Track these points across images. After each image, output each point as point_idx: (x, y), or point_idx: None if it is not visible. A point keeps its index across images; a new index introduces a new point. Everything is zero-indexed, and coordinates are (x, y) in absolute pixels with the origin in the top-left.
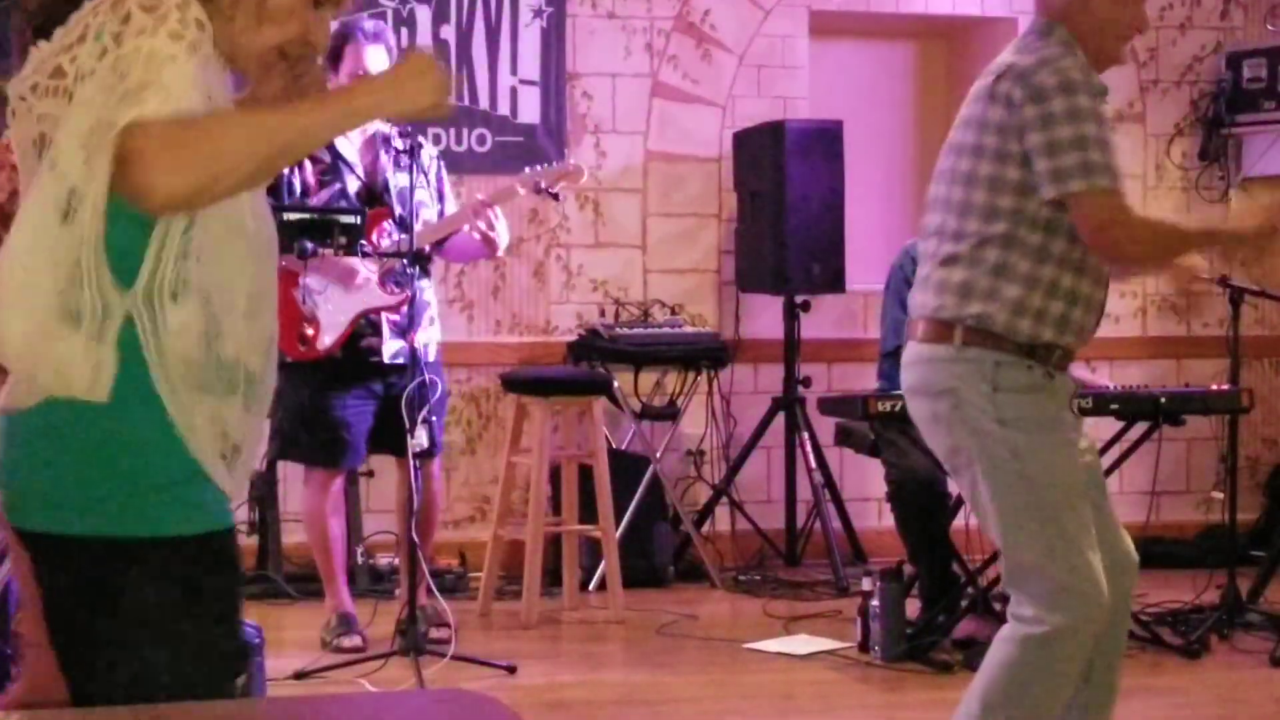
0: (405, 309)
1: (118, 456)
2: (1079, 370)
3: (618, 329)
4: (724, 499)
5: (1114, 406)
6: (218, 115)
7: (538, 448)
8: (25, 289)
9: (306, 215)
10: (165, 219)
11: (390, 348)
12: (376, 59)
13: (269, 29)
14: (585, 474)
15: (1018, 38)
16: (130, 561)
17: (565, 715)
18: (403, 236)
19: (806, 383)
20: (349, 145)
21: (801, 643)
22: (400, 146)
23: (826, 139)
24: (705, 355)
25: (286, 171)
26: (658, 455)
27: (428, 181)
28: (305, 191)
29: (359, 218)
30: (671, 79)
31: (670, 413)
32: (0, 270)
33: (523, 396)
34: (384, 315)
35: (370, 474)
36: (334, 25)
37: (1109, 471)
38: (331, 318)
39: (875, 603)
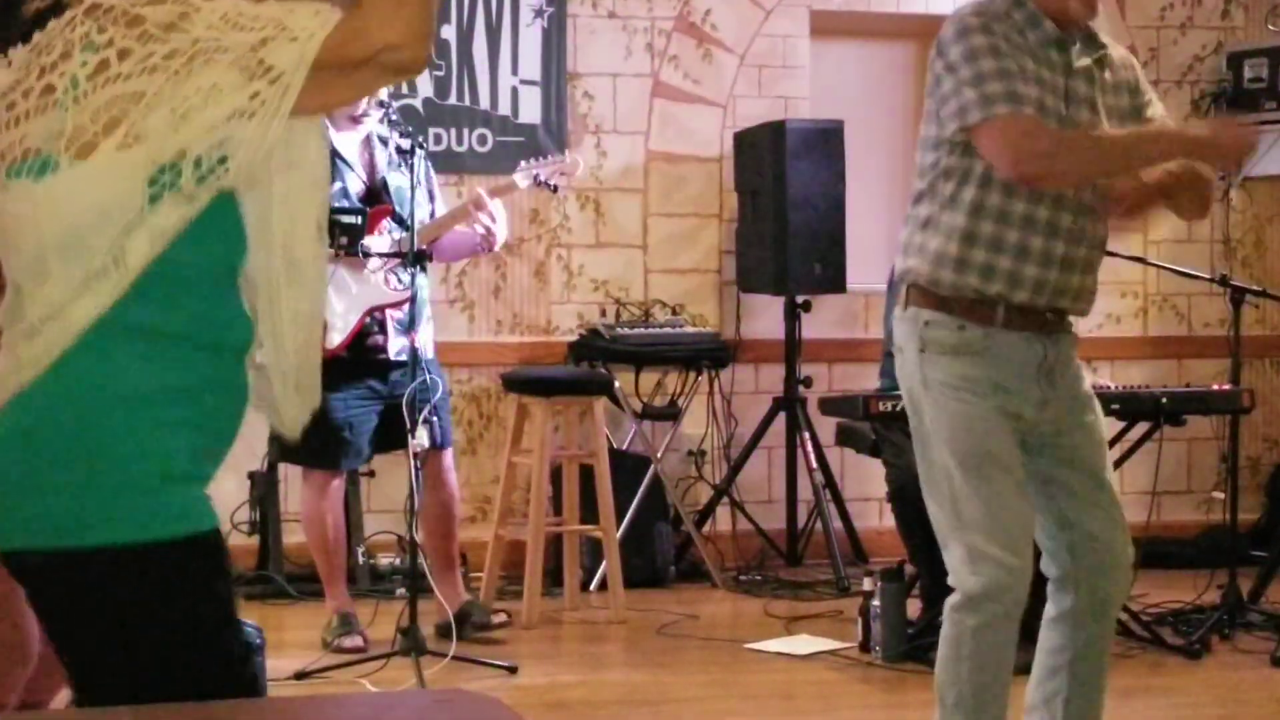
0: (407, 306)
1: (91, 464)
2: None
3: (619, 329)
4: (725, 499)
5: (1115, 406)
6: None
7: (539, 448)
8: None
9: None
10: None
11: (395, 345)
12: None
13: None
14: (586, 474)
15: None
16: (116, 569)
17: (566, 715)
18: (403, 234)
19: (807, 383)
20: (347, 143)
21: (802, 643)
22: (404, 146)
23: (827, 139)
24: (706, 355)
25: None
26: (658, 455)
27: (420, 181)
28: None
29: (360, 218)
30: (672, 79)
31: (671, 413)
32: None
33: (524, 396)
34: (389, 312)
35: (371, 474)
36: None
37: None
38: (339, 317)
39: (876, 603)
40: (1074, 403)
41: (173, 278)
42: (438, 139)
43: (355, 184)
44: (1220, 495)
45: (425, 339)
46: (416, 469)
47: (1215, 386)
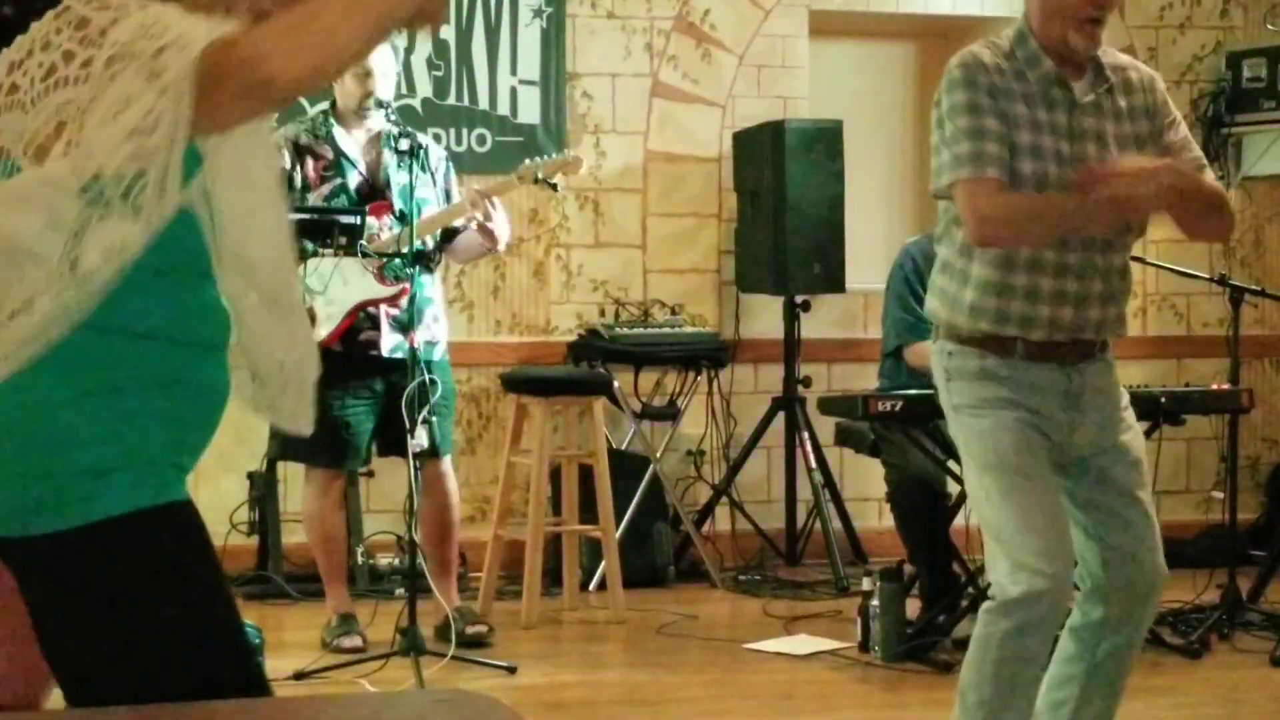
0: (404, 303)
1: (52, 452)
2: None
3: (618, 329)
4: (724, 499)
5: None
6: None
7: (538, 448)
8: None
9: (306, 215)
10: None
11: (389, 342)
12: (386, 55)
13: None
14: (585, 474)
15: None
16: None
17: (565, 715)
18: (402, 230)
19: (806, 382)
20: (353, 142)
21: (801, 643)
22: (403, 147)
23: (826, 139)
24: (705, 355)
25: (288, 166)
26: (658, 455)
27: (434, 181)
28: (307, 186)
29: (359, 217)
30: (671, 79)
31: (670, 413)
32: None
33: (523, 396)
34: (383, 309)
35: (370, 474)
36: None
37: None
38: (327, 310)
39: (875, 603)
40: (1106, 424)
41: (134, 278)
42: (437, 139)
43: (355, 180)
44: (1219, 495)
45: (434, 339)
46: (417, 468)
47: (1214, 386)
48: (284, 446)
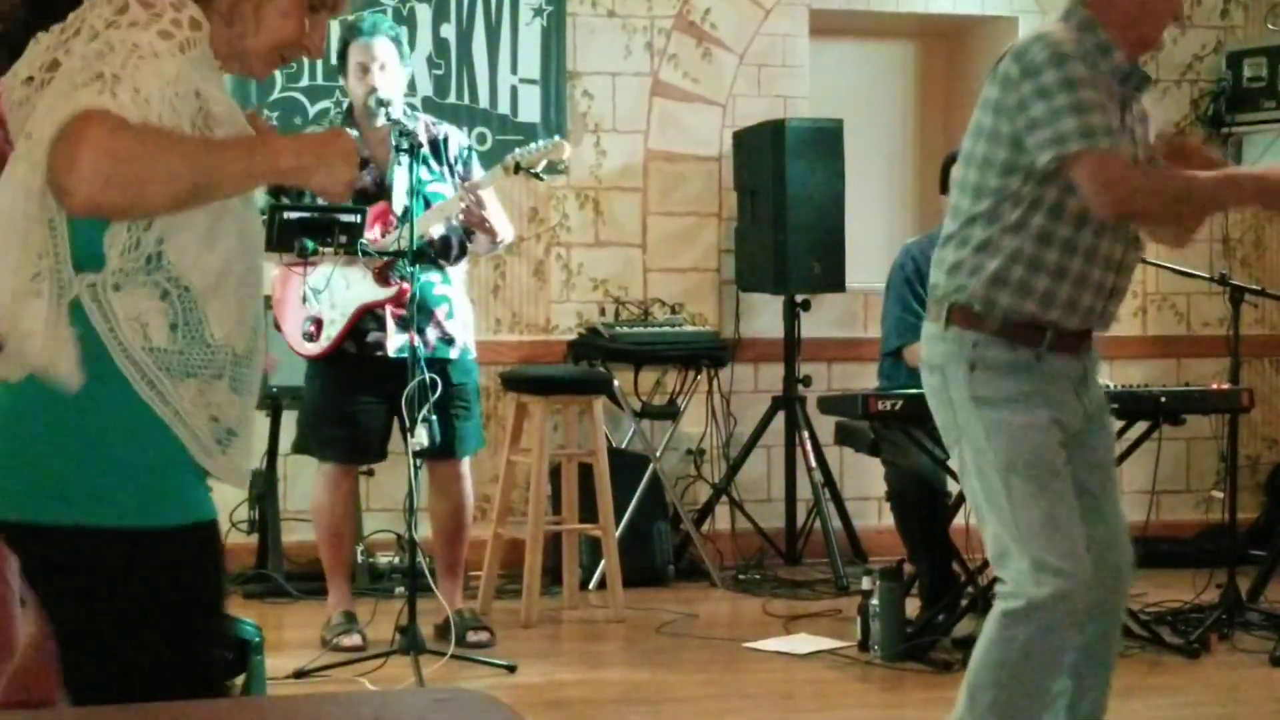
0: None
1: (87, 443)
2: None
3: (618, 328)
4: (724, 498)
5: (1114, 406)
6: (163, 137)
7: (538, 446)
8: (5, 250)
9: (306, 214)
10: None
11: (395, 342)
12: (384, 51)
13: (266, 31)
14: (585, 473)
15: None
16: (101, 551)
17: (565, 715)
18: (402, 228)
19: (806, 382)
20: (364, 142)
21: (801, 642)
22: (403, 145)
23: (826, 139)
24: (705, 354)
25: None
26: (658, 454)
27: (452, 173)
28: None
29: (359, 216)
30: (672, 78)
31: (670, 412)
32: None
33: (523, 395)
34: (387, 309)
35: (370, 472)
36: (335, 25)
37: None
38: (331, 313)
39: (875, 602)
40: (1098, 409)
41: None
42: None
43: (367, 178)
44: (1219, 494)
45: (453, 336)
46: (416, 468)
47: (1214, 386)
48: (299, 441)
